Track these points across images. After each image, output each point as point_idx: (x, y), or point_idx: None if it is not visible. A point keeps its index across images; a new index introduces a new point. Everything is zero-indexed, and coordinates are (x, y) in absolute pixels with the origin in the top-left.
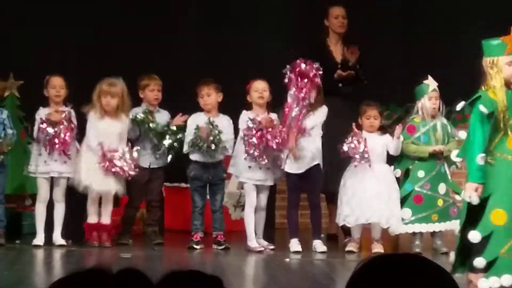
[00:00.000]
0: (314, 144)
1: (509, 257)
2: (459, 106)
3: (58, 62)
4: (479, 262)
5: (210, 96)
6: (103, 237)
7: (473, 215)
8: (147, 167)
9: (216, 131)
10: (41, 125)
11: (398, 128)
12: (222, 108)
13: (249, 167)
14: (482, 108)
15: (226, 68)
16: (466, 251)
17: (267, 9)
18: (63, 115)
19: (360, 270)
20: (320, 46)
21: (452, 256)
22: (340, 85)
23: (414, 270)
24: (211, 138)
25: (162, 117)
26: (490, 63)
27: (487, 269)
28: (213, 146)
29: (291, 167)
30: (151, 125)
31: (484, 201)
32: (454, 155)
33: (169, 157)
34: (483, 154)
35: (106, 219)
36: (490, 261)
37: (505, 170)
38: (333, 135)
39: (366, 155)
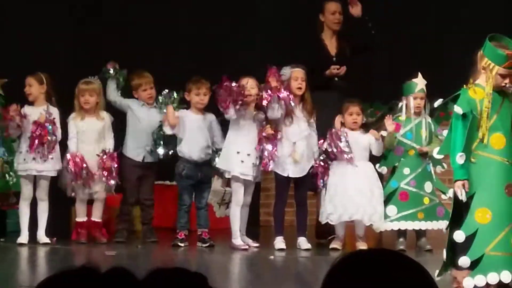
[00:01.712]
0: (312, 145)
1: (495, 255)
2: (437, 103)
3: (44, 60)
4: (464, 261)
5: (206, 95)
6: (96, 234)
7: (458, 214)
8: (141, 161)
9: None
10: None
11: (376, 133)
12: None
13: (242, 161)
14: (456, 109)
15: (223, 67)
16: (453, 249)
17: (263, 7)
18: (47, 116)
19: (337, 266)
20: (315, 41)
21: (444, 254)
22: (336, 79)
23: (390, 266)
24: None
25: (156, 113)
26: (486, 64)
27: (473, 267)
28: None
29: (293, 171)
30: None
31: (468, 200)
32: (435, 152)
33: (161, 152)
34: (462, 153)
35: (97, 217)
36: (475, 259)
37: (487, 168)
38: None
39: (347, 151)
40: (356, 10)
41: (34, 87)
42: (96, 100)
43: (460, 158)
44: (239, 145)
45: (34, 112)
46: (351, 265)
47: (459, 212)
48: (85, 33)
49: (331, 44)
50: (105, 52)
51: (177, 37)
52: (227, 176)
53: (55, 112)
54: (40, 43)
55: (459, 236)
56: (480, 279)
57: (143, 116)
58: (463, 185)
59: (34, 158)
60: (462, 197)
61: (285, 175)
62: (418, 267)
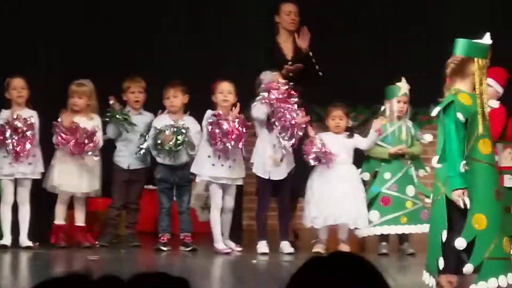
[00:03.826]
0: (288, 150)
1: (492, 260)
2: (434, 112)
3: (30, 64)
4: (468, 268)
5: (176, 97)
6: (81, 238)
7: (455, 221)
8: (126, 168)
9: (181, 135)
10: (2, 130)
11: (375, 122)
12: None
13: (213, 165)
14: (460, 116)
15: (210, 70)
16: (445, 255)
17: (247, 15)
18: (25, 120)
19: (298, 271)
20: (270, 46)
21: (441, 261)
22: (292, 83)
23: (348, 270)
24: (176, 141)
25: (145, 119)
26: (480, 64)
27: (475, 274)
28: (177, 148)
29: (274, 173)
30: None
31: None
32: (435, 162)
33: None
34: (464, 161)
35: (81, 221)
36: (477, 266)
37: (479, 174)
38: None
39: (323, 155)
40: (303, 42)
41: (26, 90)
42: (87, 103)
43: (462, 167)
44: (209, 149)
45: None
46: (311, 271)
47: (454, 219)
48: (61, 40)
49: (287, 47)
50: (90, 52)
51: (165, 42)
52: (197, 180)
53: (34, 114)
54: (24, 44)
55: (461, 243)
56: (483, 286)
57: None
58: (463, 193)
59: (22, 161)
60: (466, 204)
61: (266, 177)
62: (376, 272)
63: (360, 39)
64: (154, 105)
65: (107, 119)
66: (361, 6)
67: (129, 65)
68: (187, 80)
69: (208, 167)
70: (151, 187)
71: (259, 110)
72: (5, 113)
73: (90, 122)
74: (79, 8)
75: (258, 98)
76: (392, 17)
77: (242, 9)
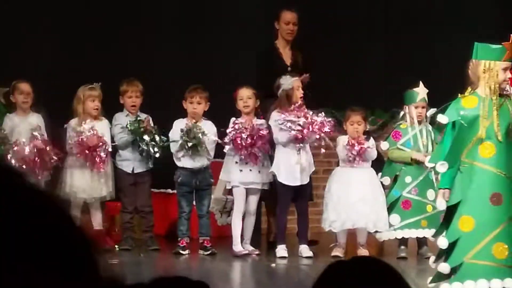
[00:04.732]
0: (309, 153)
1: (474, 263)
2: (429, 113)
3: (33, 68)
4: (444, 267)
5: (200, 104)
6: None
7: (444, 221)
8: (131, 172)
9: (200, 134)
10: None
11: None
12: (210, 114)
13: (240, 170)
14: (440, 118)
15: (210, 74)
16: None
17: (248, 14)
18: (36, 143)
19: (320, 277)
20: (269, 49)
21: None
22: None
23: (369, 275)
24: (196, 138)
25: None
26: (486, 66)
27: (452, 274)
28: (197, 147)
29: (302, 178)
30: (145, 137)
31: (454, 207)
32: (427, 161)
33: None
34: (444, 162)
35: (98, 224)
36: (454, 267)
37: (474, 177)
38: None
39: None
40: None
41: (32, 96)
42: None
43: (441, 167)
44: (237, 155)
45: (23, 122)
46: (332, 277)
47: (445, 219)
48: (71, 39)
49: (285, 54)
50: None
51: (163, 44)
52: (227, 186)
53: (40, 119)
54: (27, 49)
55: (443, 242)
56: (457, 286)
57: (125, 127)
58: (443, 194)
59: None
60: (440, 205)
61: (298, 184)
62: (398, 276)
63: (375, 42)
64: (154, 105)
65: (131, 132)
66: (375, 10)
67: (128, 66)
68: (186, 80)
69: (236, 173)
70: (169, 190)
71: (282, 137)
72: (13, 120)
73: (100, 125)
74: (79, 8)
75: (275, 110)
76: (406, 18)
77: (242, 10)
